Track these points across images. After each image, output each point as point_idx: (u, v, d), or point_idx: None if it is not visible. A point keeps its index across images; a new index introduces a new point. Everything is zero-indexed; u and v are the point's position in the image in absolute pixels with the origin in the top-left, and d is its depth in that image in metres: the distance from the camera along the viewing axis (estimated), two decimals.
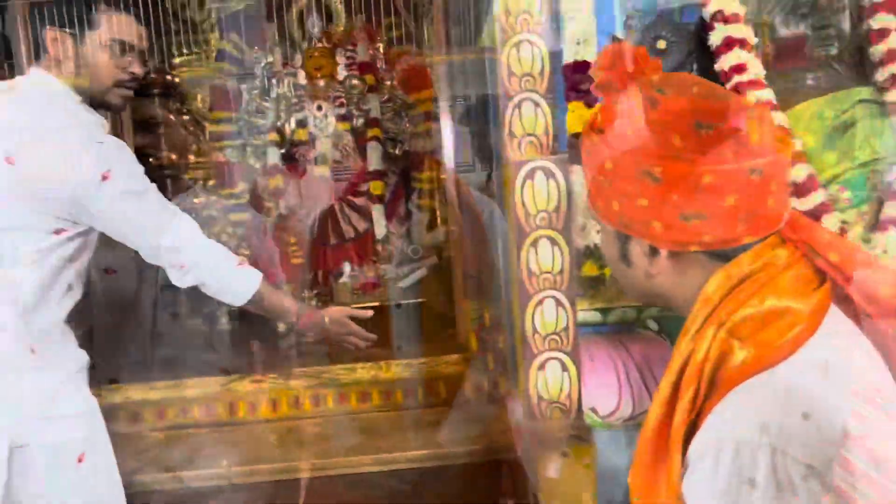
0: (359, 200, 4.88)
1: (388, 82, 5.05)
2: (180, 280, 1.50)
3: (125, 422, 2.57)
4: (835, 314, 0.83)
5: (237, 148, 5.03)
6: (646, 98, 0.79)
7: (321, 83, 5.09)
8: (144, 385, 2.82)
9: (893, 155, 1.39)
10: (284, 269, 4.62)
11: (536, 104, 2.21)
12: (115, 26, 1.47)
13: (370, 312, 1.69)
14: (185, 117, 4.94)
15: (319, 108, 5.07)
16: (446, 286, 4.22)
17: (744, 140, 0.74)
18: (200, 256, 1.48)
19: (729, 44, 1.43)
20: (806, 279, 0.80)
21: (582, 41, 2.01)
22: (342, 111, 5.08)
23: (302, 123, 5.10)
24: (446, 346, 3.07)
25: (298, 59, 5.14)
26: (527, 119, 2.22)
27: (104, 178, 1.36)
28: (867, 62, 1.46)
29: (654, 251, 0.82)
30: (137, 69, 1.53)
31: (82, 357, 1.57)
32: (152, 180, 4.67)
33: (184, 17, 4.90)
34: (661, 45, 1.51)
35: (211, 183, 5.12)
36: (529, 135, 2.23)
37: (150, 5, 4.87)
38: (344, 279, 4.53)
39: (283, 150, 5.04)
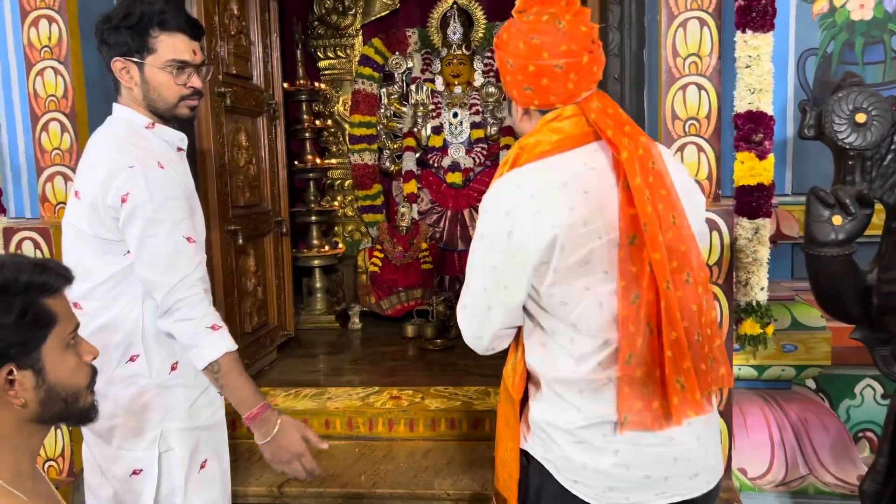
0: None
1: None
2: (159, 320, 1.47)
3: None
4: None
5: (374, 151, 5.18)
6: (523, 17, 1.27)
7: (458, 90, 5.14)
8: (290, 391, 3.02)
9: None
10: (415, 273, 4.71)
11: (701, 149, 2.14)
12: (169, 48, 1.48)
13: (326, 445, 1.51)
14: (328, 121, 5.12)
15: (455, 114, 5.12)
16: None
17: (555, 44, 1.21)
18: (179, 305, 1.44)
19: None
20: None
21: (757, 90, 1.92)
22: (477, 118, 5.12)
23: (437, 130, 5.17)
24: None
25: (437, 64, 5.21)
26: (689, 165, 2.15)
27: (123, 200, 1.41)
28: None
29: (517, 109, 1.31)
30: (197, 82, 1.57)
31: None
32: (299, 182, 4.94)
33: (329, 21, 5.07)
34: (861, 118, 1.39)
35: (348, 184, 5.31)
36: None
37: (297, 9, 5.10)
38: None
39: (417, 156, 5.15)
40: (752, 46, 1.91)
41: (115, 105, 1.57)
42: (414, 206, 4.92)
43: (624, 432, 1.23)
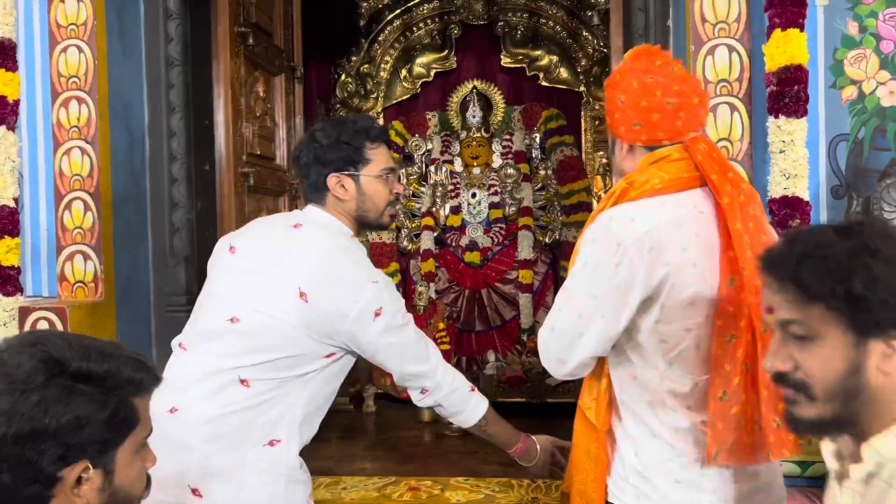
0: (506, 288, 4.84)
1: (543, 172, 5.06)
2: (421, 401, 1.60)
3: None
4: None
5: (392, 230, 5.19)
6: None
7: (476, 171, 5.18)
8: None
9: None
10: None
11: None
12: (381, 158, 1.59)
13: (570, 444, 1.69)
14: None
15: (474, 195, 5.14)
16: None
17: (668, 84, 1.30)
18: (442, 382, 1.58)
19: None
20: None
21: (792, 175, 1.88)
22: (496, 199, 5.13)
23: (456, 210, 5.19)
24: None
25: (456, 146, 5.28)
26: None
27: (376, 314, 1.47)
28: None
29: (622, 146, 1.37)
30: (399, 188, 1.66)
31: None
32: None
33: (351, 104, 5.18)
34: None
35: None
36: None
37: (321, 92, 5.22)
38: (490, 371, 4.45)
39: (435, 235, 5.15)
40: (786, 132, 1.88)
41: (321, 212, 1.59)
42: (431, 285, 4.87)
43: (715, 468, 1.29)
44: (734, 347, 1.27)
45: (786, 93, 1.86)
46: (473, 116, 5.06)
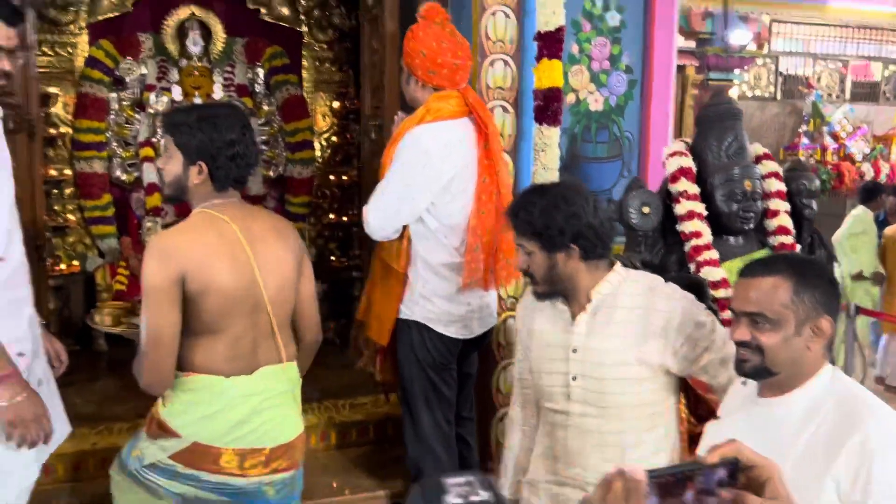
0: None
1: (267, 107, 5.15)
2: None
3: None
4: None
5: (104, 159, 4.83)
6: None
7: (198, 101, 5.05)
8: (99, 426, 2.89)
9: None
10: None
11: None
12: None
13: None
14: (54, 130, 4.65)
15: None
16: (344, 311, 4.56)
17: (455, 51, 2.10)
18: None
19: (689, 215, 2.08)
20: None
21: (549, 168, 2.56)
22: None
23: None
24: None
25: (174, 73, 5.04)
26: None
27: None
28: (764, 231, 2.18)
29: (416, 81, 2.17)
30: (7, 65, 1.72)
31: None
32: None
33: (47, 15, 4.61)
34: (646, 210, 2.10)
35: (68, 192, 4.83)
36: None
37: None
38: None
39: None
40: (547, 136, 2.54)
41: None
42: (158, 219, 4.77)
43: (469, 290, 2.18)
44: (485, 218, 2.10)
45: (548, 107, 2.52)
46: (195, 44, 4.92)
